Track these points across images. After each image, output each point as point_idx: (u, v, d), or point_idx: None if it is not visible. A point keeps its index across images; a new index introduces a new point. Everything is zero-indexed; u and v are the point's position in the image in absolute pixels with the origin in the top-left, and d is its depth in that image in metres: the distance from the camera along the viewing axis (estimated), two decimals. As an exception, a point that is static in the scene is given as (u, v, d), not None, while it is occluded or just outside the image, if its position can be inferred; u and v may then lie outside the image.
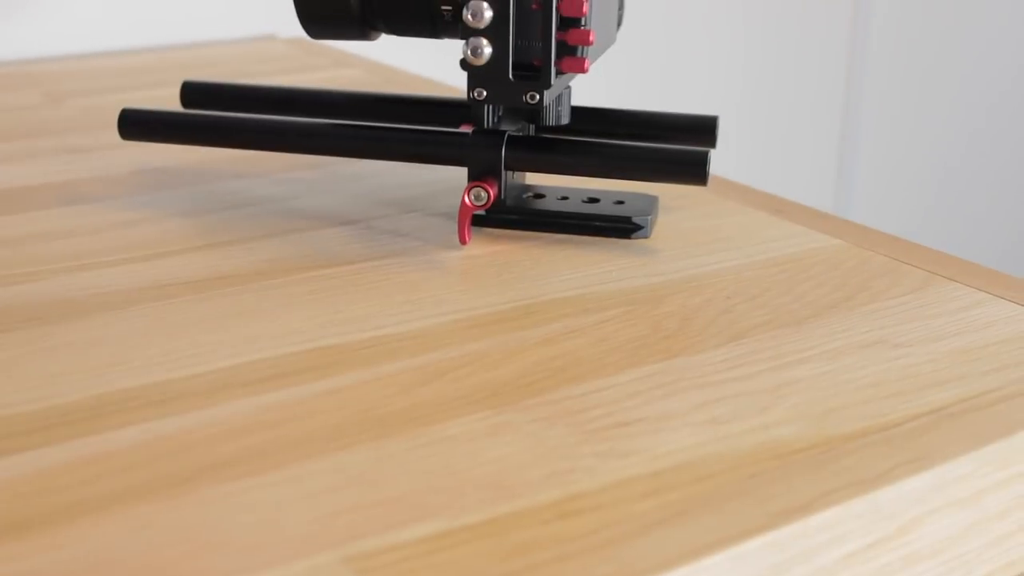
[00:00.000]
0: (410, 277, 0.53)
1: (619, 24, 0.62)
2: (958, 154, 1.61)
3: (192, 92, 0.66)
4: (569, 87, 0.59)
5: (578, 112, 0.60)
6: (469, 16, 0.52)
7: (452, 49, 0.58)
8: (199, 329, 0.48)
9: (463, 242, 0.55)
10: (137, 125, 0.60)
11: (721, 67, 1.35)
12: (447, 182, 0.64)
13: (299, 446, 0.40)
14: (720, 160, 0.63)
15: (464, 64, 0.53)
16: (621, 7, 0.62)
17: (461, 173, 0.57)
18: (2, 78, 0.89)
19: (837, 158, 1.49)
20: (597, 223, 0.57)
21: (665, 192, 0.62)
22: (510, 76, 0.52)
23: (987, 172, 1.65)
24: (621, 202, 0.59)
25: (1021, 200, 1.69)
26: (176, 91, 0.69)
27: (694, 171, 0.54)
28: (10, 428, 0.41)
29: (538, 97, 0.53)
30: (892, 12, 1.46)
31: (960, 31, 1.55)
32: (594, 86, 0.77)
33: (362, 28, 0.57)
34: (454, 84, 0.78)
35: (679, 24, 1.31)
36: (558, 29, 0.52)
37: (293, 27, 0.58)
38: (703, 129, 0.61)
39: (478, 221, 0.58)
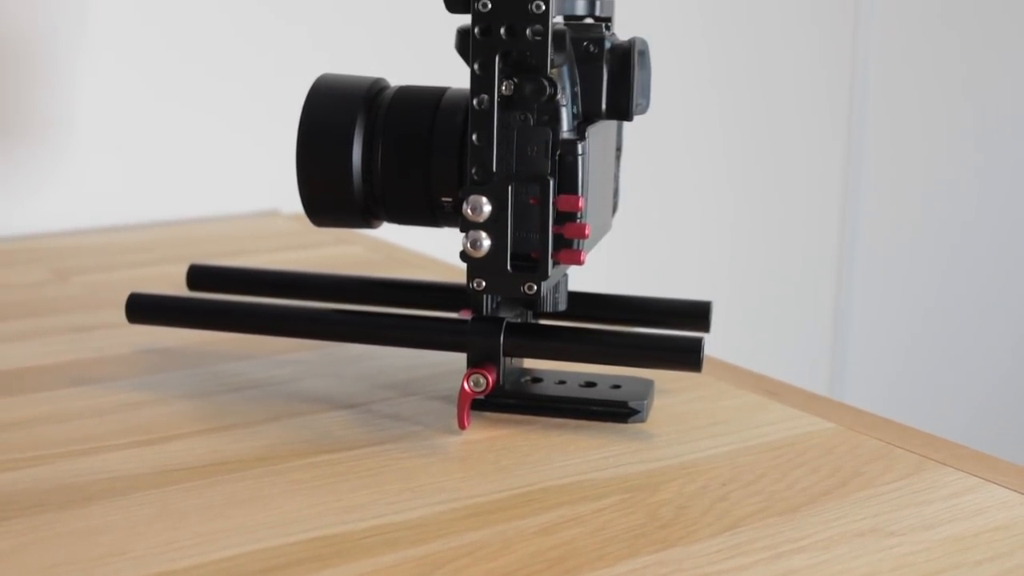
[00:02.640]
0: (410, 463, 0.54)
1: (614, 211, 0.64)
2: (952, 334, 1.63)
3: (198, 275, 0.67)
4: (566, 274, 0.60)
5: (575, 298, 0.62)
6: (469, 210, 0.54)
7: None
8: (201, 517, 0.49)
9: (462, 427, 0.56)
10: (144, 310, 0.62)
11: (713, 249, 1.38)
12: (447, 364, 0.65)
13: (299, 642, 0.40)
14: (714, 340, 0.64)
15: (464, 256, 0.54)
16: (616, 195, 0.64)
17: (461, 355, 0.58)
18: (9, 254, 0.91)
19: (831, 337, 1.51)
20: (594, 408, 0.58)
21: (660, 374, 0.63)
22: (508, 268, 0.54)
23: (981, 354, 1.66)
24: (618, 386, 0.60)
25: (1014, 380, 1.70)
26: (181, 267, 0.71)
27: (688, 358, 0.55)
28: (12, 622, 0.41)
29: (536, 288, 0.54)
30: (882, 191, 1.49)
31: (948, 208, 1.58)
32: (590, 269, 0.78)
33: (364, 217, 0.59)
34: (453, 260, 0.79)
35: (673, 207, 1.34)
36: (555, 223, 0.54)
37: (296, 203, 0.60)
38: (697, 314, 0.62)
39: (477, 405, 0.58)
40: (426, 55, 0.92)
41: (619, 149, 0.63)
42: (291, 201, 0.74)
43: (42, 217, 0.98)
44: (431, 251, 0.92)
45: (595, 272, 0.73)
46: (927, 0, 1.50)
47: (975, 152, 1.60)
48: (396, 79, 0.61)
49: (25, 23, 0.96)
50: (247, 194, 1.05)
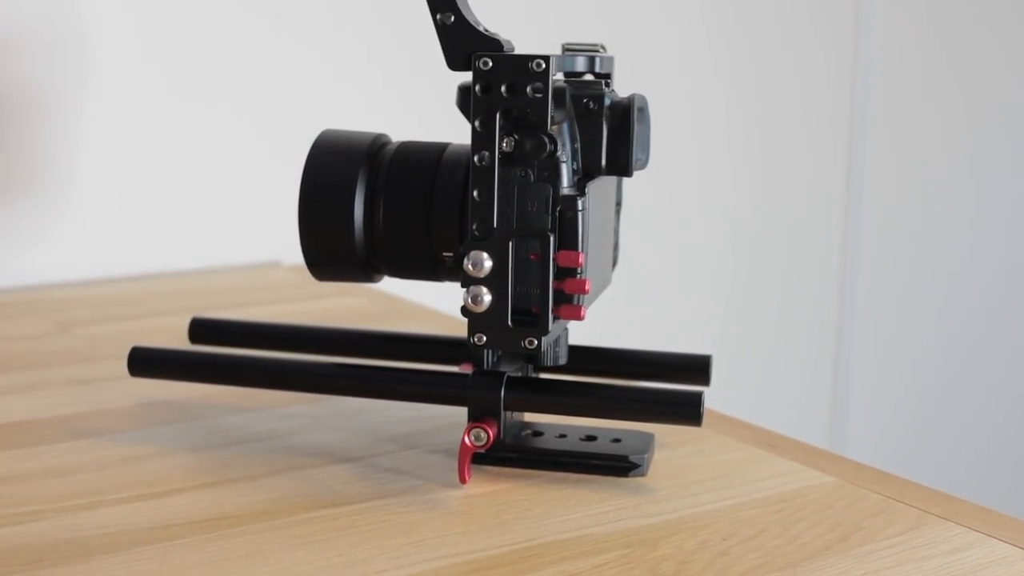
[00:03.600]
0: (411, 518, 0.54)
1: (614, 264, 0.64)
2: (953, 386, 1.63)
3: (200, 328, 0.68)
4: (567, 327, 0.60)
5: (575, 351, 0.62)
6: (470, 266, 0.54)
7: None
8: (202, 572, 0.49)
9: (463, 481, 0.56)
10: (146, 363, 0.62)
11: (714, 302, 1.38)
12: (448, 417, 0.65)
13: None
14: (715, 393, 0.64)
15: (465, 311, 0.55)
16: (616, 248, 0.64)
17: (462, 408, 0.58)
18: (11, 306, 0.91)
19: (831, 388, 1.51)
20: (595, 462, 0.58)
21: (661, 427, 0.63)
22: (509, 323, 0.54)
23: (982, 406, 1.66)
24: (618, 440, 0.60)
25: (1015, 433, 1.69)
26: (182, 319, 0.71)
27: (688, 412, 0.56)
28: None
29: (536, 343, 0.54)
30: (881, 242, 1.50)
31: (948, 259, 1.59)
32: (590, 321, 0.79)
33: (366, 272, 0.59)
34: (453, 312, 0.79)
35: (673, 261, 1.34)
36: (555, 279, 0.54)
37: (297, 254, 0.60)
38: (697, 368, 0.62)
39: (478, 459, 0.59)
40: (427, 111, 0.92)
41: (619, 204, 0.64)
42: (292, 252, 0.75)
43: (43, 268, 0.98)
44: (432, 303, 0.92)
45: (595, 325, 0.73)
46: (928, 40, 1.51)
47: (978, 211, 1.60)
48: (397, 135, 0.61)
49: (27, 76, 0.96)
50: (248, 245, 1.06)
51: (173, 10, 1.01)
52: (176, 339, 0.71)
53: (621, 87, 0.62)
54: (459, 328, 0.64)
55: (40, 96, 0.97)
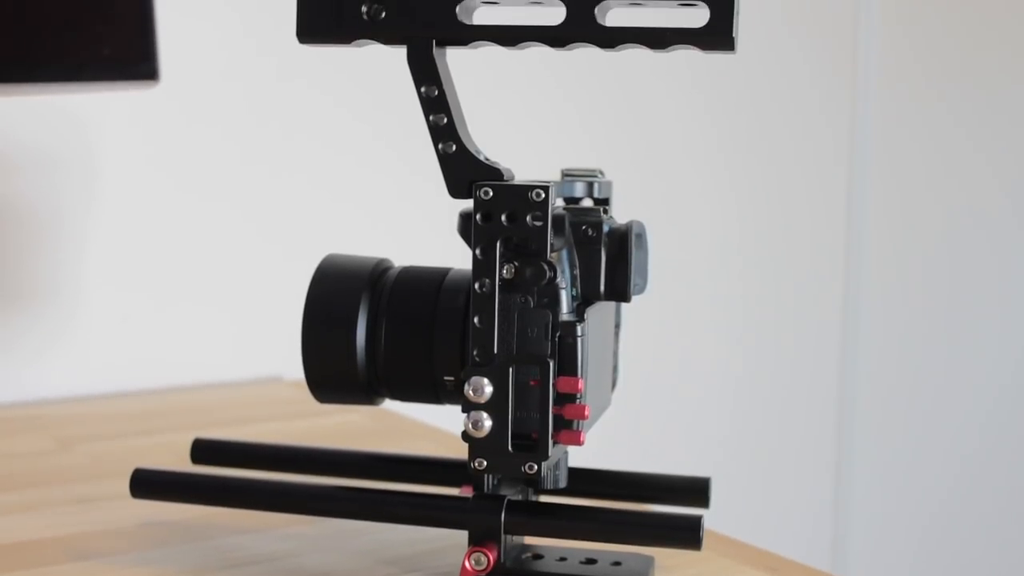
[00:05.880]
0: (411, 644, 0.54)
1: (613, 386, 0.65)
2: (957, 506, 1.62)
3: (202, 449, 0.68)
4: (566, 450, 0.61)
5: (575, 473, 0.62)
6: (470, 391, 0.55)
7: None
8: None
9: (463, 606, 0.56)
10: (149, 486, 0.62)
11: (715, 423, 1.39)
12: (449, 539, 0.65)
13: None
14: (715, 514, 0.64)
15: (465, 436, 0.55)
16: (615, 371, 0.65)
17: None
18: (12, 422, 0.92)
19: (832, 509, 1.51)
20: (595, 587, 0.58)
21: (661, 549, 0.63)
22: (509, 448, 0.55)
23: (986, 524, 1.65)
24: (618, 563, 0.60)
25: (1017, 561, 1.68)
26: (184, 436, 0.71)
27: (688, 536, 0.56)
28: None
29: (536, 468, 0.55)
30: (880, 362, 1.50)
31: (954, 369, 1.59)
32: (590, 443, 0.79)
33: (368, 395, 0.60)
34: (453, 430, 0.80)
35: (673, 381, 1.35)
36: (555, 404, 0.55)
37: (298, 369, 0.61)
38: (696, 490, 0.63)
39: (478, 582, 0.59)
40: (429, 236, 0.94)
41: (618, 326, 0.65)
42: (293, 368, 0.76)
43: (45, 384, 0.99)
44: (432, 420, 0.93)
45: (595, 445, 0.74)
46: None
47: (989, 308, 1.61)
48: (400, 258, 0.62)
49: (33, 195, 0.98)
50: (250, 361, 1.07)
51: (179, 132, 1.03)
52: (178, 456, 0.72)
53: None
54: (459, 446, 0.65)
55: (45, 215, 0.98)
